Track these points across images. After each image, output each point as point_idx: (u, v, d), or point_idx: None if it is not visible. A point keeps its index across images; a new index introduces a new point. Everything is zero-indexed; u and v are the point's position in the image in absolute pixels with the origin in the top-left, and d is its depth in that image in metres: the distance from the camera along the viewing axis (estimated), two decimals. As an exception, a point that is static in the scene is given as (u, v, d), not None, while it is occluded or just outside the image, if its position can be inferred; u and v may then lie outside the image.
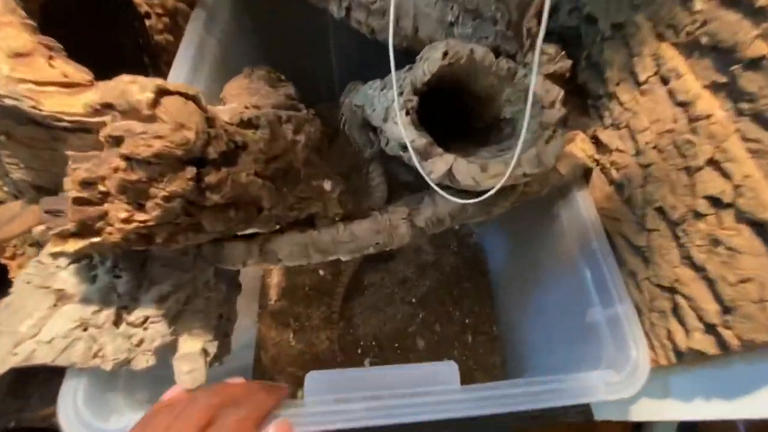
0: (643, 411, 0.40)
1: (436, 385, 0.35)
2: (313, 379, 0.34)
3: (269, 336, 0.67)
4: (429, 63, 0.35)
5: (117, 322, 0.31)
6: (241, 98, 0.40)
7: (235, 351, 0.39)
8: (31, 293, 0.30)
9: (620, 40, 0.36)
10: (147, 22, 0.43)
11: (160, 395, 0.36)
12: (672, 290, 0.34)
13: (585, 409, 0.39)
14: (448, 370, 0.36)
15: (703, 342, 0.31)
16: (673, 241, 0.33)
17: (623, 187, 0.38)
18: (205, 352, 0.36)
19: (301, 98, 0.48)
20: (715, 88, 0.28)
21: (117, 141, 0.23)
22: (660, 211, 0.34)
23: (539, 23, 0.38)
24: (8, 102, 0.27)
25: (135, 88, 0.23)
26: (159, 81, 0.24)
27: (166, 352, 0.35)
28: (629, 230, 0.38)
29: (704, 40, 0.27)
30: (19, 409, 0.34)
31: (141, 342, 0.32)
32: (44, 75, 0.28)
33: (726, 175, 0.27)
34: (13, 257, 0.42)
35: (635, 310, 0.38)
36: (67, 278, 0.31)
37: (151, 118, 0.24)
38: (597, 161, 0.42)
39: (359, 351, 0.67)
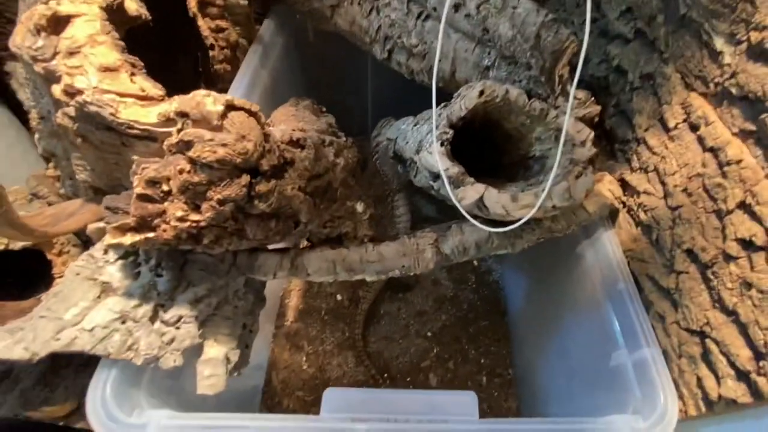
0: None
1: (454, 415, 0.35)
2: (331, 395, 0.34)
3: (282, 358, 0.66)
4: (466, 100, 0.38)
5: (153, 319, 0.33)
6: (289, 123, 0.43)
7: (246, 371, 0.39)
8: (79, 284, 0.32)
9: (649, 90, 0.38)
10: (210, 53, 0.48)
11: (177, 397, 0.36)
12: (702, 334, 0.33)
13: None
14: (468, 400, 0.35)
15: (735, 390, 0.30)
16: (703, 284, 0.33)
17: (651, 229, 0.38)
18: (227, 359, 0.37)
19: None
20: (744, 135, 0.29)
21: (187, 146, 0.26)
22: (689, 253, 0.34)
23: (572, 71, 0.41)
24: (92, 108, 0.31)
25: (209, 100, 0.26)
26: (229, 96, 0.27)
27: (191, 356, 0.36)
28: (657, 272, 0.38)
29: (734, 90, 0.29)
30: (45, 400, 0.35)
31: (172, 341, 0.33)
32: (125, 88, 0.32)
33: (757, 218, 0.28)
34: (59, 254, 0.44)
35: (662, 355, 0.37)
36: (114, 273, 0.33)
37: (218, 128, 0.27)
38: (623, 203, 0.43)
39: (370, 382, 0.66)
